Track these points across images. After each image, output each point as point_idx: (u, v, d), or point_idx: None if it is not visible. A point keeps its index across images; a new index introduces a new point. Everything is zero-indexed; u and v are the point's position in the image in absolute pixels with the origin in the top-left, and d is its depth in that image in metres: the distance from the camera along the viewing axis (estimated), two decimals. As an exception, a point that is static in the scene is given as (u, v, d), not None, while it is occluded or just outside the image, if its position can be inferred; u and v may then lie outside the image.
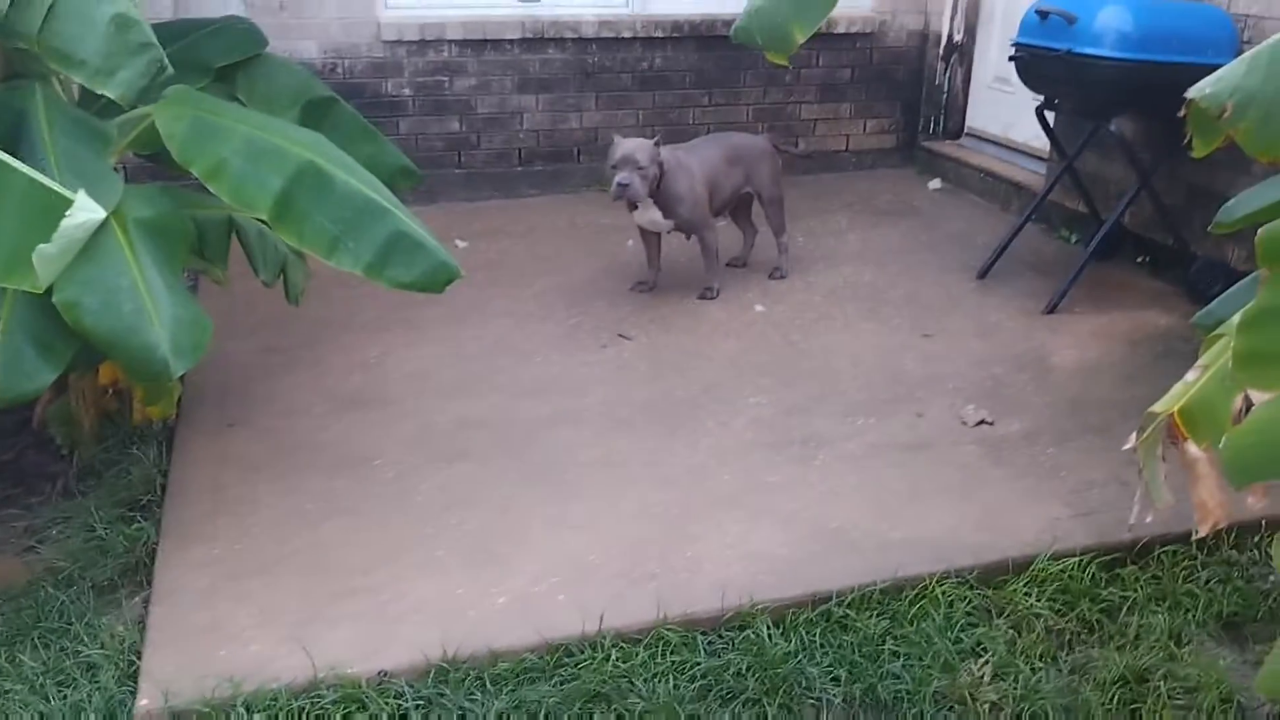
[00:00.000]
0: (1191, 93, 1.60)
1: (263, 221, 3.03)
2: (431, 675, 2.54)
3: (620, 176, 4.38)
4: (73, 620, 2.80)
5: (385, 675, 2.53)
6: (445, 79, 6.01)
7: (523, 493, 3.33)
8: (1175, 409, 1.98)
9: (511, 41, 6.02)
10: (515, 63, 6.08)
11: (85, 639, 2.71)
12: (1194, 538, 2.21)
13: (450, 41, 5.93)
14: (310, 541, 3.06)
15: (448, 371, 4.14)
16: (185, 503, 3.24)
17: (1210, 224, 2.85)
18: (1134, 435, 2.10)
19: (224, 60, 3.81)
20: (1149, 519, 2.27)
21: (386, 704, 2.46)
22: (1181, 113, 1.60)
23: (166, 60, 2.94)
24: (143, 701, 2.46)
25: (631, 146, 4.42)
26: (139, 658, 2.61)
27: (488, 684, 2.53)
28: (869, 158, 6.85)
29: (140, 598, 2.91)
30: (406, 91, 5.97)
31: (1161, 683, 2.63)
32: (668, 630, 2.69)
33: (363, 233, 2.98)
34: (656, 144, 4.48)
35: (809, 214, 5.98)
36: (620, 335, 4.46)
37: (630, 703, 2.49)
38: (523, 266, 5.23)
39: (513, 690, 2.51)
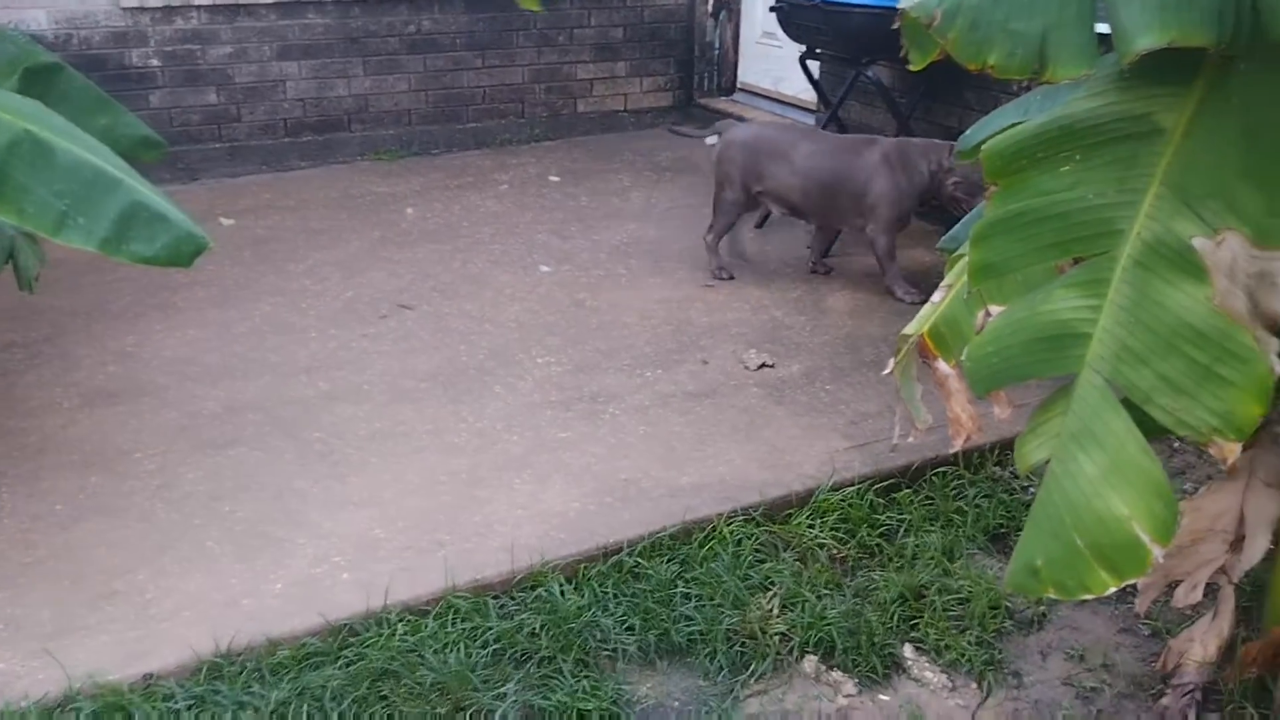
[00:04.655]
0: (903, 3, 1.64)
1: (-24, 201, 2.73)
2: (204, 672, 2.38)
3: None
4: None
5: (152, 678, 2.35)
6: (197, 48, 5.63)
7: (300, 474, 3.17)
8: (924, 330, 2.05)
9: (266, 6, 5.70)
10: (273, 29, 5.76)
11: None
12: (950, 451, 2.30)
13: (198, 7, 5.56)
14: (62, 545, 2.81)
15: (213, 355, 3.89)
16: (-87, 518, 2.92)
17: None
18: (891, 361, 2.16)
19: (-77, 27, 3.42)
20: (910, 438, 2.36)
21: (154, 708, 2.29)
22: (895, 25, 1.64)
23: None
24: None
25: None
26: None
27: (266, 674, 2.39)
28: (648, 116, 6.88)
29: None
30: (154, 62, 5.56)
31: (936, 597, 2.76)
32: (457, 598, 2.62)
33: (94, 206, 2.72)
34: None
35: (592, 174, 5.96)
36: (401, 305, 4.31)
37: (420, 675, 2.41)
38: (294, 241, 4.97)
39: (294, 677, 2.39)
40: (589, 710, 2.39)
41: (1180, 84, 1.53)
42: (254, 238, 5.00)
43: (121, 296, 4.27)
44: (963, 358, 1.74)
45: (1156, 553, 1.46)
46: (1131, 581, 1.48)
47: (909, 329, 2.06)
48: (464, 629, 2.56)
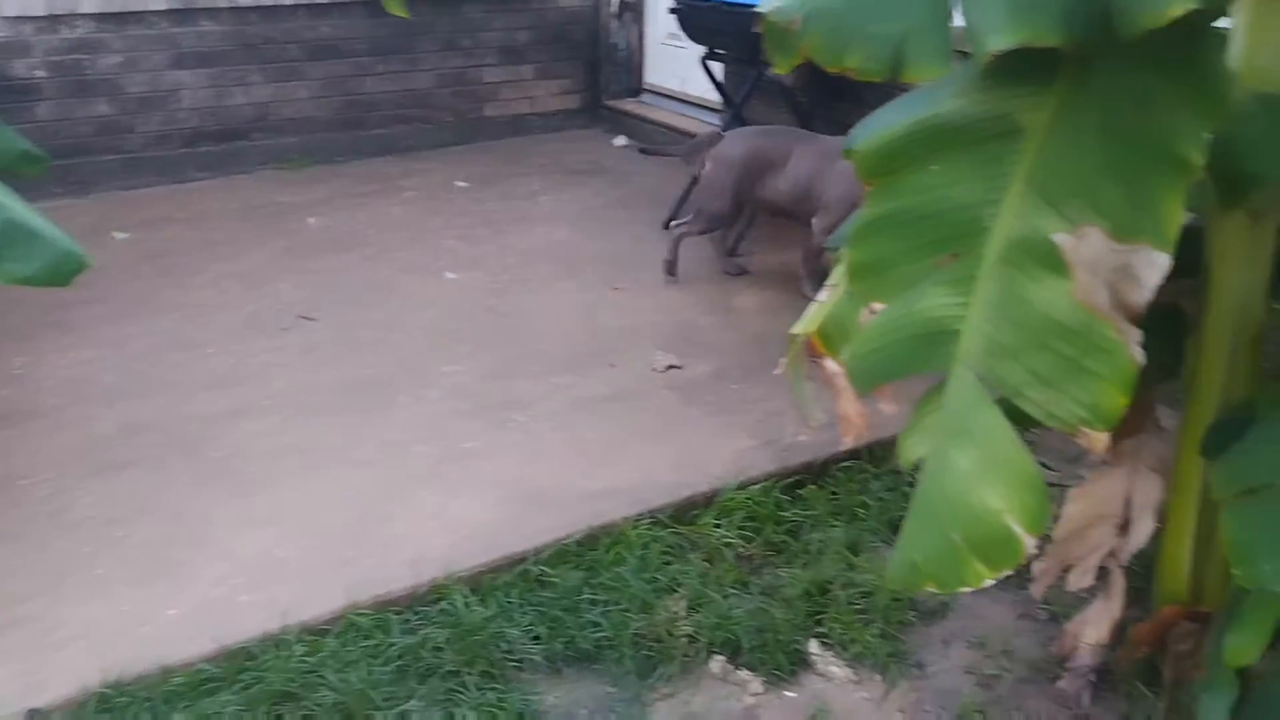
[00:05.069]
0: (763, 8, 1.65)
1: None
2: (93, 705, 2.31)
3: None
4: None
5: (36, 713, 2.27)
6: (85, 57, 5.46)
7: (200, 494, 3.09)
8: (812, 328, 2.06)
9: (157, 14, 5.55)
10: (165, 37, 5.61)
11: None
12: (842, 448, 2.33)
13: (85, 16, 5.39)
14: (-55, 579, 2.71)
15: (109, 374, 3.77)
16: None
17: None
18: (782, 360, 2.17)
19: None
20: (801, 436, 2.38)
21: (37, 746, 2.21)
22: (757, 28, 1.66)
23: None
24: None
25: None
26: None
27: (159, 704, 2.32)
28: (556, 119, 6.85)
29: None
30: (40, 73, 5.38)
31: (841, 591, 2.79)
32: (359, 615, 2.58)
33: (-37, 225, 2.62)
34: None
35: (501, 178, 5.92)
36: (304, 317, 4.23)
37: (321, 696, 2.37)
38: (193, 254, 4.85)
39: (188, 705, 2.32)
40: (494, 723, 2.37)
41: (1040, 83, 1.57)
42: (151, 251, 4.86)
43: (9, 317, 4.12)
44: (845, 356, 1.76)
45: (1029, 543, 1.49)
46: (1006, 573, 1.51)
47: (797, 328, 2.07)
48: (366, 647, 2.51)
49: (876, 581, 2.80)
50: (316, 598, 2.63)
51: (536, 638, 2.61)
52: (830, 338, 2.01)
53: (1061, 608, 2.74)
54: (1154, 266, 1.46)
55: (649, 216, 5.33)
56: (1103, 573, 2.45)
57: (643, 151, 5.35)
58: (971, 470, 1.51)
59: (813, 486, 3.18)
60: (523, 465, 3.24)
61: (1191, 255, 2.19)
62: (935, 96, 1.72)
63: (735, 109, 5.20)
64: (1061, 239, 1.49)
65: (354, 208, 5.45)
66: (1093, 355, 1.47)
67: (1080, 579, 2.45)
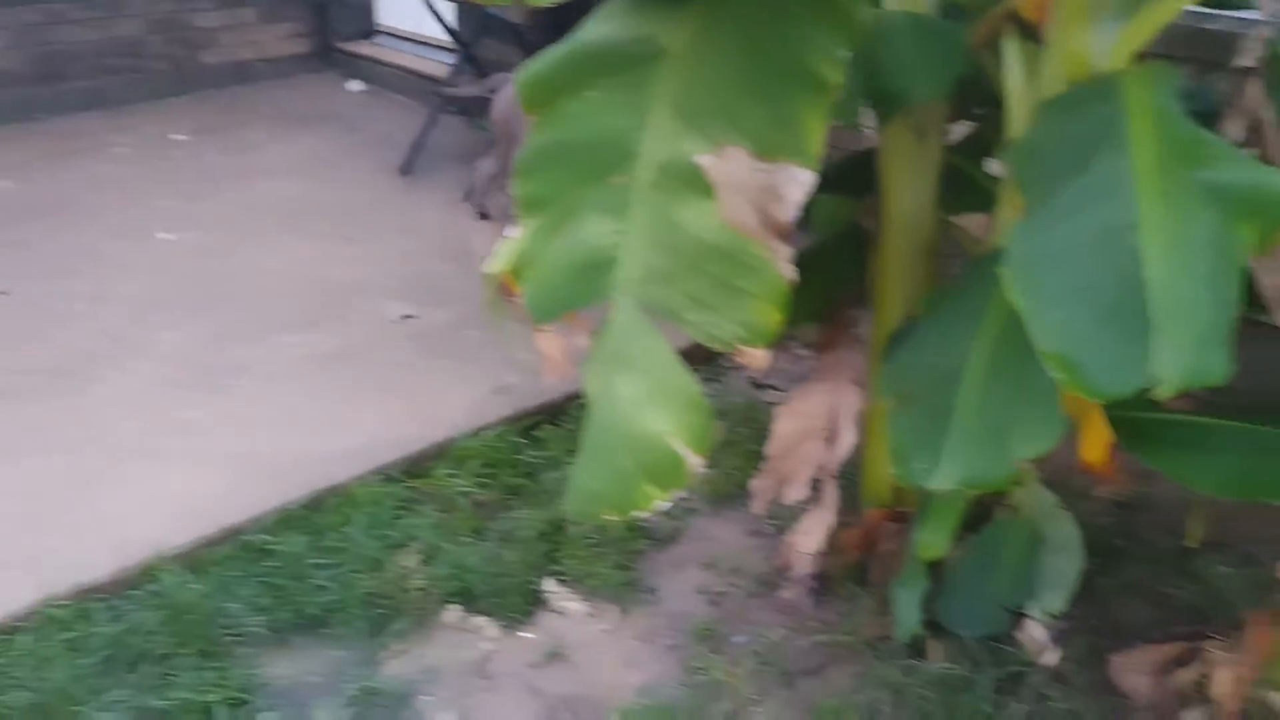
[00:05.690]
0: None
1: None
2: None
3: None
4: None
5: None
6: None
7: None
8: (506, 266, 2.02)
9: None
10: None
11: None
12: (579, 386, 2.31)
13: None
14: None
15: None
16: None
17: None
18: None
19: None
20: (514, 379, 2.35)
21: None
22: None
23: None
24: None
25: None
26: None
27: None
28: (284, 65, 6.48)
29: None
30: None
31: (575, 528, 2.79)
32: (56, 608, 2.38)
33: None
34: None
35: (222, 129, 5.57)
36: (-5, 291, 3.85)
37: (12, 699, 2.18)
38: None
39: None
40: (213, 702, 2.25)
41: (680, 4, 1.57)
42: None
43: None
44: (522, 291, 1.73)
45: (695, 463, 1.51)
46: (677, 493, 1.54)
47: (489, 267, 2.02)
48: (66, 640, 2.33)
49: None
50: (4, 595, 2.41)
51: (260, 608, 2.49)
52: (521, 274, 1.97)
53: (785, 522, 2.85)
54: (798, 183, 1.49)
55: (383, 164, 5.14)
56: (817, 484, 2.56)
57: (441, 95, 5.10)
58: (636, 396, 1.52)
59: (550, 427, 3.17)
60: (244, 432, 3.08)
61: (869, 175, 2.30)
62: (591, 23, 1.69)
63: (466, 49, 5.06)
64: (704, 160, 1.50)
65: (55, 169, 4.99)
66: (744, 274, 1.50)
67: (796, 492, 2.55)
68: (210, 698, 2.25)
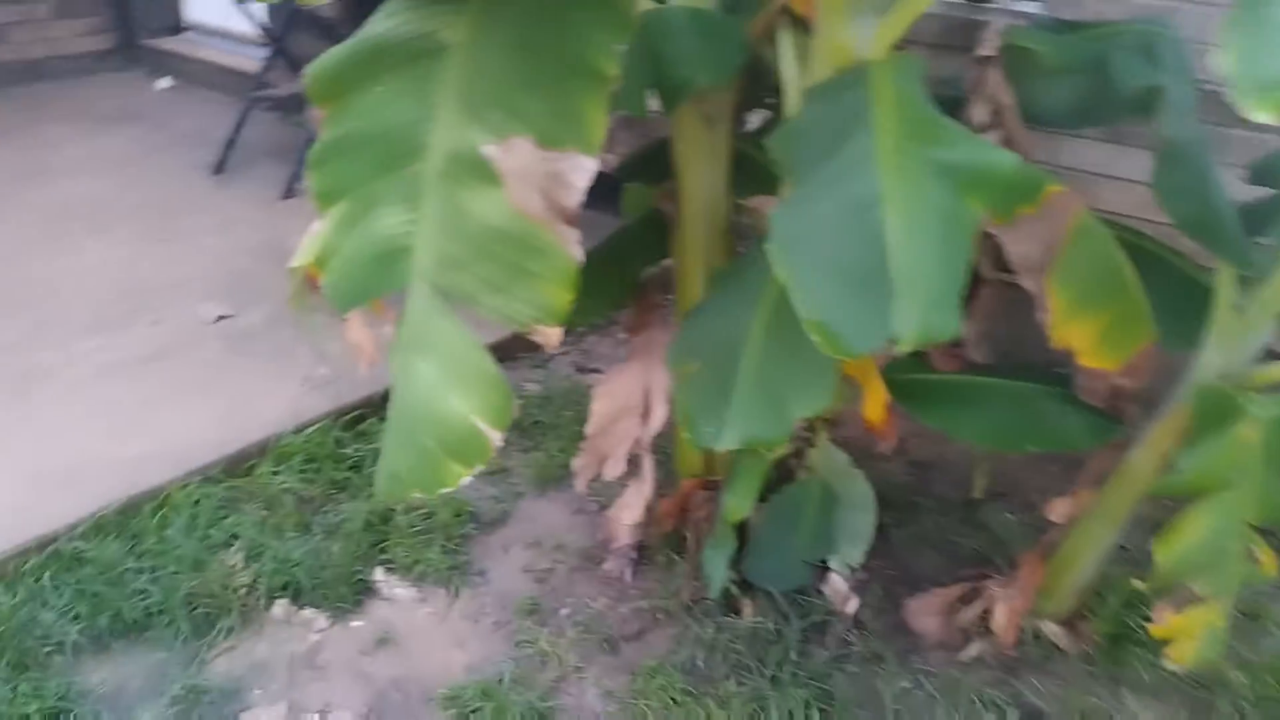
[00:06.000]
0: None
1: None
2: None
3: None
4: None
5: None
6: None
7: None
8: (310, 259, 2.05)
9: None
10: None
11: None
12: (362, 377, 2.35)
13: None
14: None
15: None
16: None
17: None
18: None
19: None
20: (324, 371, 2.38)
21: None
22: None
23: None
24: None
25: None
26: None
27: None
28: (84, 62, 6.20)
29: None
30: None
31: (403, 516, 2.84)
32: None
33: None
34: None
35: (16, 129, 5.30)
36: None
37: None
38: None
39: None
40: (30, 713, 2.21)
41: (458, 1, 1.64)
42: None
43: None
44: (322, 280, 1.77)
45: (496, 438, 1.59)
46: (480, 468, 1.61)
47: (295, 261, 2.05)
48: None
49: (435, 500, 2.88)
50: None
51: (76, 617, 2.45)
52: (324, 265, 2.01)
53: (607, 499, 2.97)
54: (582, 170, 1.59)
55: (194, 162, 5.01)
56: (635, 460, 2.67)
57: (255, 98, 4.96)
58: (435, 377, 1.59)
59: (374, 419, 3.19)
60: (47, 441, 2.98)
61: (668, 162, 2.42)
62: (374, 20, 1.75)
63: (277, 44, 4.98)
64: (490, 150, 1.58)
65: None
66: (534, 258, 1.58)
67: (614, 468, 2.65)
68: (28, 709, 2.21)
